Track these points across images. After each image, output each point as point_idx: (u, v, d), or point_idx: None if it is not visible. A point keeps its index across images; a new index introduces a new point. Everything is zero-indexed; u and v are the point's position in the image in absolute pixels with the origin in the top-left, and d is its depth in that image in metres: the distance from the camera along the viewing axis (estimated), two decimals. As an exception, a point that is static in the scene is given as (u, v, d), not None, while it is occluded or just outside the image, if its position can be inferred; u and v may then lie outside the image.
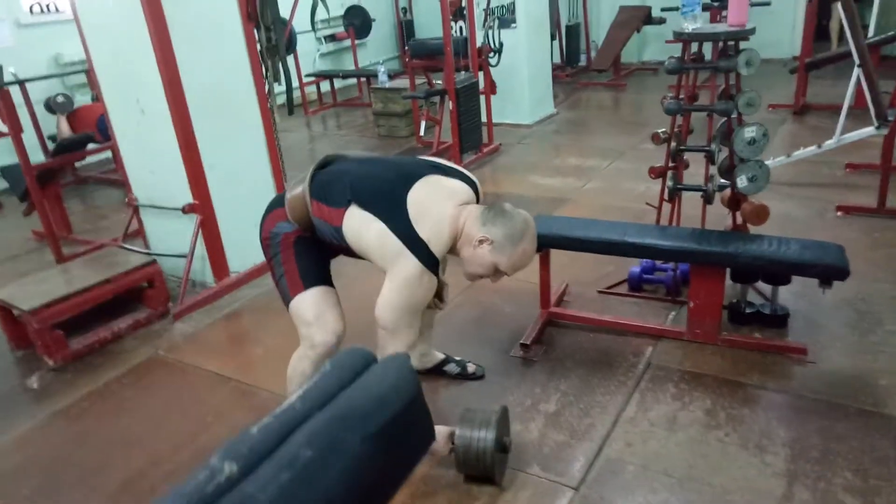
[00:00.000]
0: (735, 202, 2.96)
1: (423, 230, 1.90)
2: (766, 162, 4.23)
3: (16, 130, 3.65)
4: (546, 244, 2.79)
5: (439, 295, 2.37)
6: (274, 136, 3.71)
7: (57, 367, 2.92)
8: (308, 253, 2.13)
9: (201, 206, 3.36)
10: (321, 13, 7.02)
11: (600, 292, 3.21)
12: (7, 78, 4.49)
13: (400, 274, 1.92)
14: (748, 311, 2.81)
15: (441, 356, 2.65)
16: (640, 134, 5.57)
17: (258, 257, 3.67)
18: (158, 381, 2.81)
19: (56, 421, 2.60)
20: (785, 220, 3.70)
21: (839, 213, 3.84)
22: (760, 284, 2.90)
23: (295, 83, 7.44)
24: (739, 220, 2.99)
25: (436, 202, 1.98)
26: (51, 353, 2.91)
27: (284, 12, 6.88)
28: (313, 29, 7.61)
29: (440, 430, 1.96)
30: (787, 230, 3.38)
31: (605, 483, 2.04)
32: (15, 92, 5.09)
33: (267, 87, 3.62)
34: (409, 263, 1.90)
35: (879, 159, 3.90)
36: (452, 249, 2.01)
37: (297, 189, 2.09)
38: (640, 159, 5.02)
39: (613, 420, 2.32)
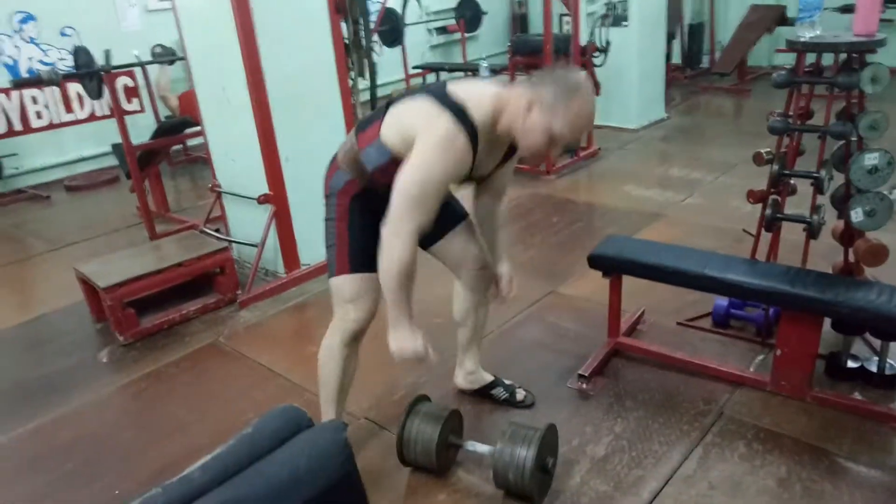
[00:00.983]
0: (849, 238, 2.57)
1: (460, 96, 1.79)
2: (897, 191, 3.68)
3: (119, 112, 3.85)
4: (616, 268, 2.55)
5: (497, 282, 2.27)
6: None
7: (126, 343, 3.04)
8: (362, 229, 1.98)
9: (275, 197, 3.38)
10: (426, 4, 6.94)
11: (679, 324, 2.91)
12: (130, 59, 4.80)
13: (430, 133, 1.75)
14: (851, 365, 2.43)
15: (489, 377, 2.49)
16: (759, 146, 5.07)
17: (330, 252, 3.69)
18: (212, 368, 2.85)
19: (113, 398, 2.70)
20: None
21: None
22: (869, 336, 2.51)
23: (390, 77, 7.41)
24: (852, 258, 2.60)
25: (478, 84, 1.88)
26: (122, 330, 3.03)
27: (395, 2, 6.91)
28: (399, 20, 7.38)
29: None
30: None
31: (644, 550, 1.81)
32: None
33: (351, 82, 3.59)
34: (443, 120, 1.74)
35: None
36: (497, 129, 1.83)
37: (348, 136, 2.06)
38: (752, 175, 4.53)
39: (668, 476, 2.06)
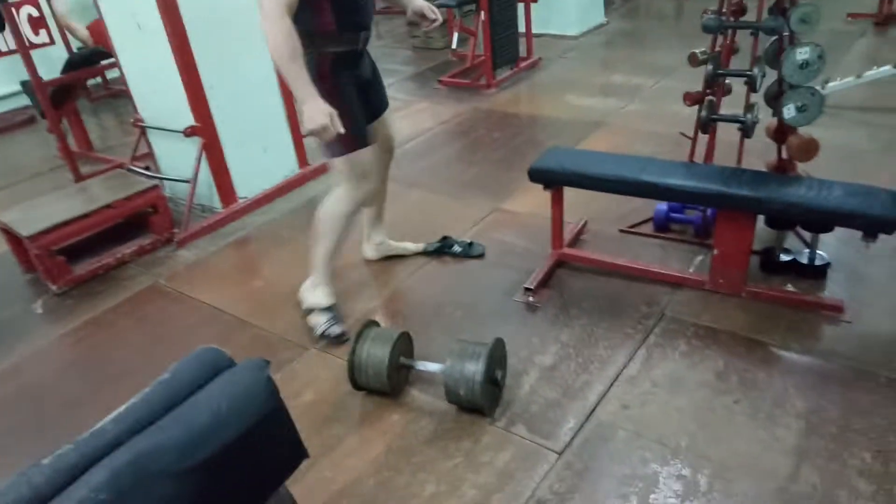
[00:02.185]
0: (781, 135, 2.60)
1: None
2: (832, 83, 3.75)
3: (22, 45, 3.54)
4: (557, 181, 2.53)
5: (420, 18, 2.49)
6: (282, 53, 3.48)
7: (60, 291, 2.92)
8: (355, 103, 2.22)
9: (203, 129, 3.21)
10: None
11: (622, 231, 2.95)
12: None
13: None
14: (783, 259, 2.52)
15: (397, 245, 2.86)
16: (699, 48, 5.04)
17: (267, 182, 3.57)
18: (155, 311, 2.77)
19: (52, 349, 2.61)
20: (845, 153, 3.28)
21: (906, 145, 3.39)
22: (800, 230, 2.59)
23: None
24: (785, 154, 2.64)
25: None
26: (53, 279, 2.90)
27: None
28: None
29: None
30: (844, 167, 3.00)
31: (592, 449, 1.89)
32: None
33: None
34: None
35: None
36: None
37: None
38: (692, 78, 4.54)
39: (612, 378, 2.14)
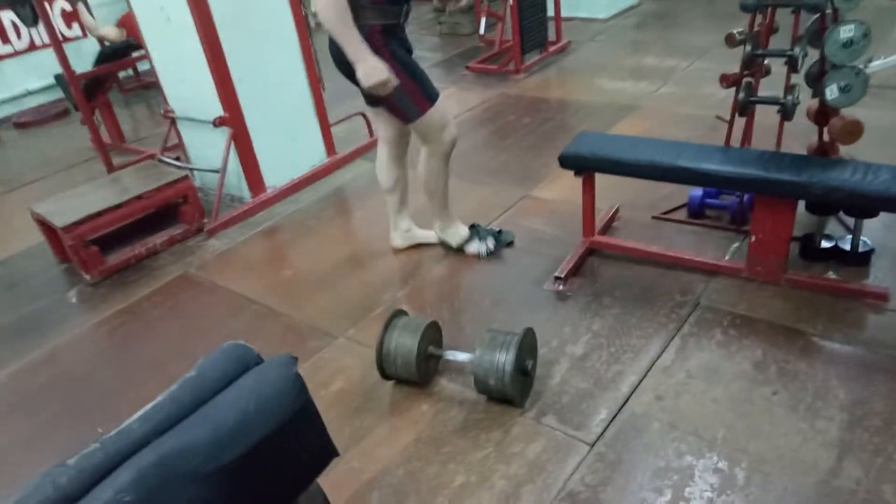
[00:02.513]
0: (823, 117, 2.50)
1: None
2: (876, 62, 3.60)
3: (55, 39, 3.59)
4: (589, 167, 2.48)
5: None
6: (309, 44, 3.48)
7: (94, 281, 2.97)
8: (413, 63, 2.32)
9: (232, 119, 3.22)
10: None
11: (654, 218, 2.88)
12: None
13: None
14: (824, 245, 2.43)
15: (425, 233, 2.84)
16: (734, 28, 4.88)
17: (295, 172, 3.58)
18: (185, 300, 2.80)
19: (86, 338, 2.65)
20: (889, 135, 3.16)
21: (957, 126, 3.24)
22: (843, 215, 2.49)
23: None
24: (827, 137, 2.54)
25: None
26: (87, 269, 2.95)
27: None
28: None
29: None
30: (888, 149, 2.89)
31: (625, 441, 1.85)
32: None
33: (300, -10, 3.36)
34: None
35: None
36: None
37: None
38: (727, 58, 4.39)
39: (646, 368, 2.09)
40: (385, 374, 2.12)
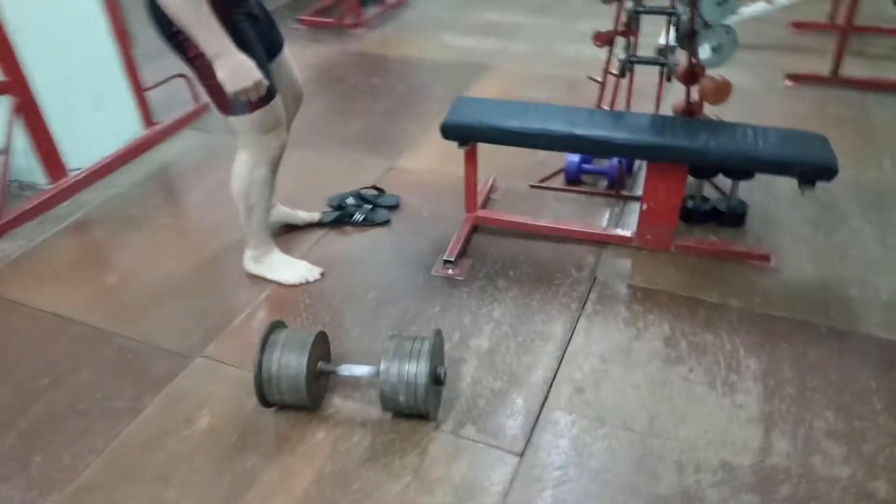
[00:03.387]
0: (691, 76, 2.47)
1: None
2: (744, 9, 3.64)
3: None
4: (472, 136, 2.23)
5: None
6: (109, -15, 2.81)
7: None
8: (252, 38, 1.83)
9: (13, 84, 2.50)
10: None
11: (532, 187, 2.73)
12: None
13: None
14: (702, 208, 2.43)
15: (292, 213, 2.48)
16: (566, -16, 4.87)
17: (105, 149, 2.92)
18: (-26, 328, 2.14)
19: None
20: (736, 93, 3.25)
21: (788, 83, 3.46)
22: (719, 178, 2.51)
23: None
24: (695, 97, 2.52)
25: None
26: None
27: None
28: None
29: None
30: (736, 105, 2.96)
31: (555, 446, 1.67)
32: None
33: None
34: None
35: (829, 17, 3.48)
36: None
37: None
38: (570, 15, 4.39)
39: (559, 357, 1.93)
40: (266, 403, 1.74)
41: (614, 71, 2.49)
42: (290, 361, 1.68)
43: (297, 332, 1.77)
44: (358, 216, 2.49)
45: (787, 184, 2.61)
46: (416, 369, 1.64)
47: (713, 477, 1.58)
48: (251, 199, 2.04)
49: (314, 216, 2.49)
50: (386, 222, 2.51)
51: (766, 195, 2.58)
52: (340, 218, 2.49)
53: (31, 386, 1.90)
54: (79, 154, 2.82)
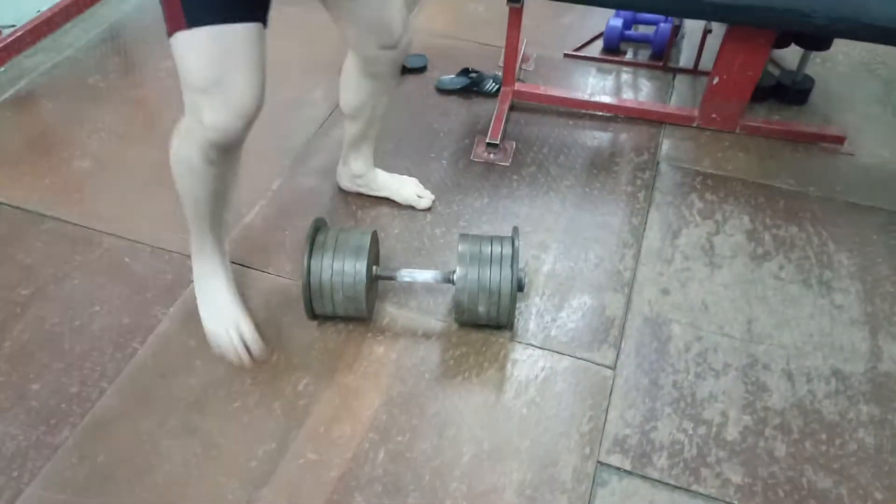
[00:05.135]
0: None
1: None
2: None
3: None
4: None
5: None
6: None
7: None
8: None
9: None
10: None
11: (567, 56, 2.38)
12: None
13: None
14: (766, 83, 2.17)
15: (383, 179, 1.80)
16: None
17: (42, 1, 2.35)
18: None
19: None
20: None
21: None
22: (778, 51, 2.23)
23: None
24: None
25: None
26: None
27: None
28: None
29: None
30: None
31: (649, 358, 1.48)
32: None
33: None
34: None
35: None
36: None
37: None
38: None
39: (635, 255, 1.70)
40: (314, 315, 1.46)
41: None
42: (345, 266, 1.39)
43: (349, 232, 1.46)
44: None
45: (845, 56, 2.39)
46: (500, 275, 1.39)
47: (826, 387, 1.44)
48: (181, 184, 1.27)
49: (423, 200, 1.81)
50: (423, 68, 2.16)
51: (825, 69, 2.34)
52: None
53: (8, 297, 1.54)
54: (9, 6, 2.25)
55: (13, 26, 2.27)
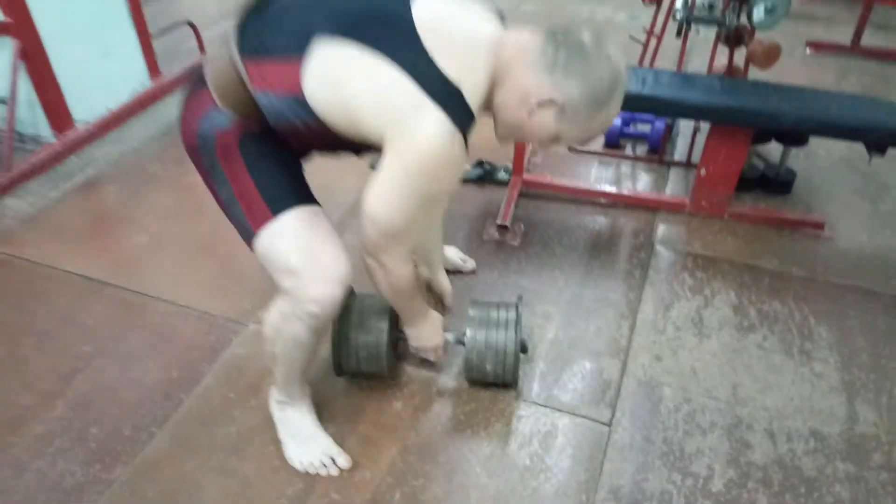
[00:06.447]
0: (737, 40, 2.42)
1: (451, 66, 1.10)
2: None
3: None
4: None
5: (441, 300, 1.87)
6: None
7: None
8: (267, 158, 1.26)
9: (17, 27, 2.27)
10: None
11: (572, 150, 2.65)
12: None
13: (414, 142, 1.11)
14: (752, 175, 2.40)
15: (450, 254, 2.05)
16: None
17: (112, 100, 2.71)
18: (8, 292, 1.96)
19: None
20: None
21: (810, 51, 3.45)
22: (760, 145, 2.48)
23: None
24: (739, 60, 2.48)
25: (461, 20, 1.17)
26: None
27: None
28: None
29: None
30: (757, 71, 2.94)
31: (642, 416, 1.63)
32: None
33: None
34: (432, 120, 1.10)
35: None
36: (487, 100, 1.21)
37: (220, 50, 1.21)
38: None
39: (630, 325, 1.88)
40: (341, 371, 1.64)
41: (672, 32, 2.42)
42: (371, 328, 1.59)
43: (373, 297, 1.67)
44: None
45: (826, 151, 2.62)
46: (505, 337, 1.57)
47: (806, 445, 1.57)
48: (276, 348, 1.38)
49: (467, 263, 2.06)
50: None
51: (807, 163, 2.57)
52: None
53: (72, 353, 1.75)
54: (85, 105, 2.60)
55: (86, 122, 2.62)
